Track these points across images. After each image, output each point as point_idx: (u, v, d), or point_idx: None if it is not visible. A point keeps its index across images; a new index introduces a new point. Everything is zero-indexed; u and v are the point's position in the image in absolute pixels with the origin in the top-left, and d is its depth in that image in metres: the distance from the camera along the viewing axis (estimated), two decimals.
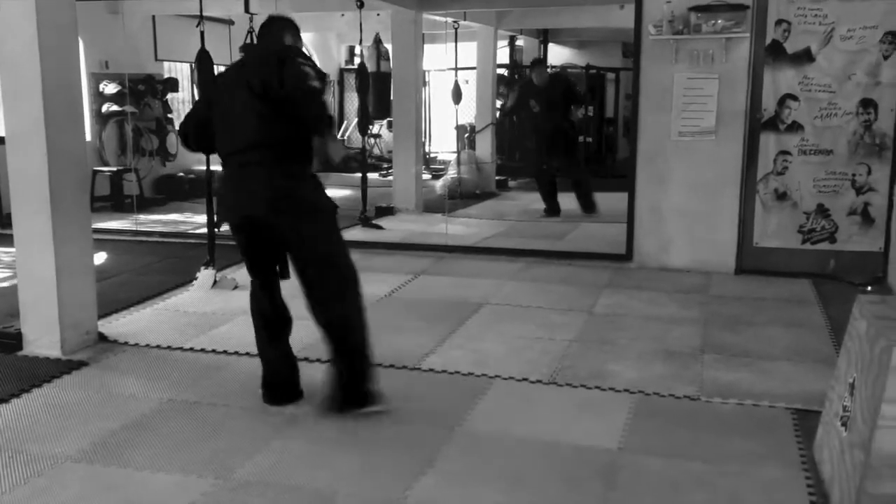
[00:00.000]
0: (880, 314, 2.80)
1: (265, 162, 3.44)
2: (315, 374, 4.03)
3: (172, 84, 9.90)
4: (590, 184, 9.21)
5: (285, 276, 3.66)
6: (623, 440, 3.32)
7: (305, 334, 4.60)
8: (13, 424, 3.48)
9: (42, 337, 4.29)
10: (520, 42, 13.19)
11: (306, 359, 4.25)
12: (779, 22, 5.81)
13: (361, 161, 8.91)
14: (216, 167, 4.63)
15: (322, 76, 3.40)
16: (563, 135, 9.03)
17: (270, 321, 3.69)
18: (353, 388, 3.55)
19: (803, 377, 4.01)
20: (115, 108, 9.25)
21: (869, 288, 5.62)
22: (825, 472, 2.95)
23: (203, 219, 6.32)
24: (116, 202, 9.01)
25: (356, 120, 10.08)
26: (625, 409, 3.63)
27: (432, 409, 3.64)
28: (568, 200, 9.82)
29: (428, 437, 3.35)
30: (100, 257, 6.35)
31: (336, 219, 3.61)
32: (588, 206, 9.07)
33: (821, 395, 3.41)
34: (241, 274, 5.45)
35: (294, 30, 3.66)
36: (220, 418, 3.52)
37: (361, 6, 7.69)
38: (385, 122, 11.71)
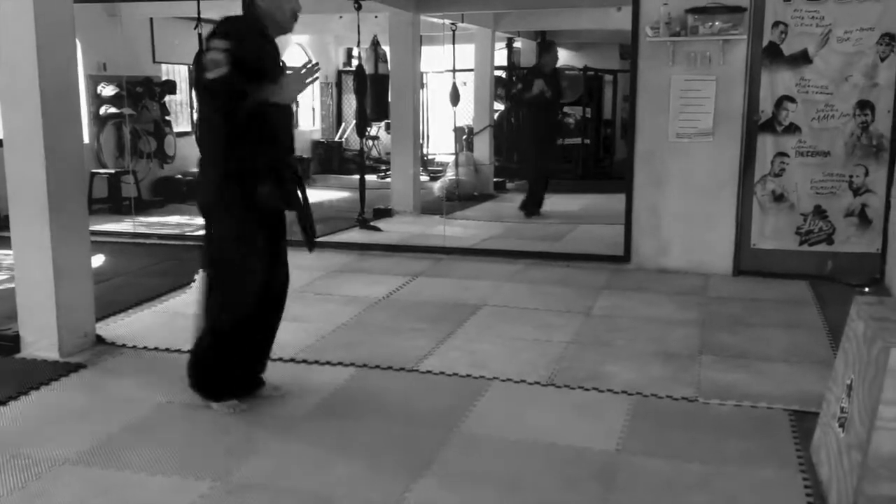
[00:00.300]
0: (877, 315, 2.81)
1: (204, 155, 3.51)
2: (314, 376, 4.04)
3: (170, 86, 9.90)
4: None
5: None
6: (621, 441, 3.32)
7: (304, 336, 4.62)
8: (11, 427, 3.47)
9: (40, 339, 4.28)
10: (517, 44, 13.20)
11: (304, 361, 4.26)
12: (776, 24, 5.82)
13: (360, 163, 8.91)
14: None
15: (226, 54, 3.15)
16: (558, 129, 9.05)
17: None
18: (192, 370, 3.63)
19: (801, 378, 4.02)
20: (112, 110, 9.25)
21: (866, 289, 5.63)
22: (823, 473, 2.96)
23: (201, 221, 6.31)
24: (114, 204, 9.00)
25: (354, 122, 10.08)
26: (623, 410, 3.63)
27: (430, 411, 3.64)
28: (568, 201, 9.86)
29: (426, 438, 3.35)
30: (97, 259, 6.35)
31: (253, 219, 3.42)
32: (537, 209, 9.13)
33: (818, 396, 3.42)
34: None
35: None
36: (217, 420, 3.52)
37: (359, 8, 7.70)
38: (383, 123, 11.72)
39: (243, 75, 3.17)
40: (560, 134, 9.07)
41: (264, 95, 3.23)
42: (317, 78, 3.60)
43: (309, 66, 3.33)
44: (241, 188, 3.36)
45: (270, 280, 3.60)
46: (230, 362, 3.60)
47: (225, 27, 3.31)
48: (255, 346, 3.69)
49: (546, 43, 9.67)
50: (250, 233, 3.45)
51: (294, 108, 3.66)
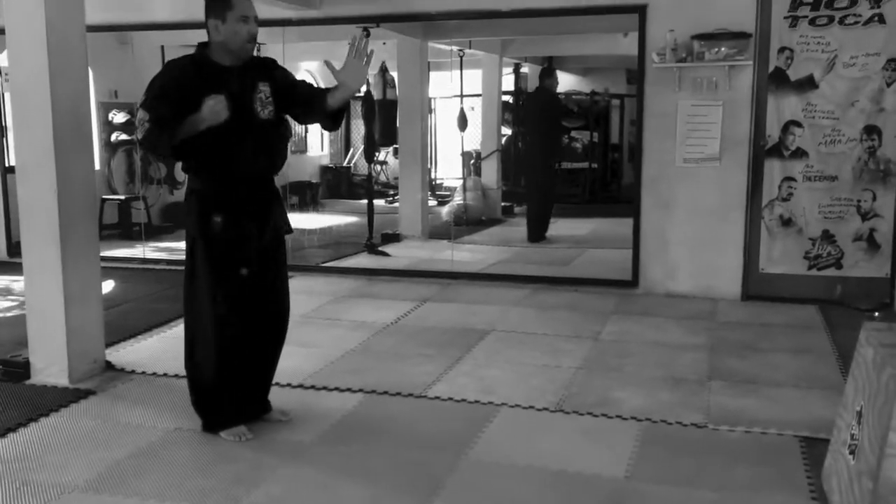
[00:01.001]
0: (886, 342, 2.80)
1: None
2: (322, 402, 4.04)
3: None
4: None
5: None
6: (630, 468, 3.31)
7: (312, 362, 4.63)
8: (21, 454, 3.48)
9: (50, 366, 4.30)
10: (525, 69, 13.28)
11: (313, 387, 4.26)
12: (781, 49, 5.85)
13: (368, 188, 8.96)
14: None
15: (143, 109, 3.31)
16: (561, 154, 9.12)
17: None
18: (194, 400, 3.68)
19: (811, 404, 4.00)
20: (123, 136, 9.32)
21: (876, 314, 5.61)
22: (833, 500, 2.93)
23: None
24: (124, 230, 9.06)
25: (362, 147, 10.14)
26: (631, 436, 3.62)
27: (439, 437, 3.64)
28: (575, 226, 9.86)
29: (434, 464, 3.34)
30: (107, 285, 6.38)
31: (211, 248, 3.44)
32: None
33: (828, 422, 3.40)
34: None
35: (212, 8, 3.41)
36: (226, 447, 3.52)
37: (368, 35, 7.75)
38: (391, 148, 11.77)
39: (170, 120, 3.29)
40: (565, 158, 9.10)
41: (191, 128, 3.30)
42: (369, 49, 3.61)
43: (358, 37, 3.48)
44: (199, 216, 3.45)
45: (260, 307, 3.59)
46: (226, 392, 3.59)
47: (155, 81, 3.42)
48: (253, 374, 3.68)
49: (547, 68, 9.74)
50: (214, 260, 3.46)
51: (282, 130, 3.63)
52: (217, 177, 3.47)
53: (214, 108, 3.26)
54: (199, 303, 3.53)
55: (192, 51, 3.54)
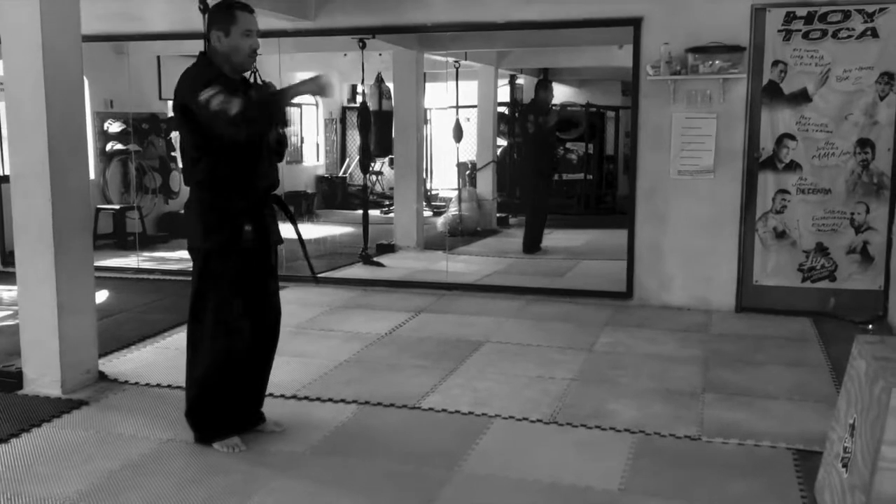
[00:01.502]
0: (879, 355, 2.81)
1: (191, 196, 3.57)
2: (316, 413, 4.04)
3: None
4: None
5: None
6: (623, 481, 3.30)
7: (306, 373, 4.62)
8: (12, 465, 3.47)
9: (43, 376, 4.29)
10: (520, 81, 13.32)
11: (306, 398, 4.25)
12: (775, 63, 5.88)
13: (363, 198, 8.97)
14: None
15: (224, 94, 3.26)
16: (556, 165, 9.15)
17: None
18: (187, 412, 3.64)
19: (804, 417, 4.01)
20: (119, 146, 9.33)
21: (869, 326, 5.63)
22: None
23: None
24: (119, 240, 9.05)
25: (358, 157, 10.15)
26: (625, 449, 3.62)
27: (432, 449, 3.63)
28: (570, 237, 9.88)
29: (428, 477, 3.34)
30: (101, 295, 6.36)
31: (222, 261, 3.45)
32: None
33: (822, 435, 3.41)
34: None
35: (216, 20, 3.42)
36: (219, 459, 3.51)
37: (364, 47, 7.79)
38: (386, 159, 11.79)
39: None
40: (559, 170, 9.12)
41: (277, 105, 3.39)
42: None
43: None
44: (223, 229, 3.42)
45: (259, 319, 3.60)
46: (221, 404, 3.59)
47: (197, 80, 3.33)
48: (247, 385, 3.68)
49: (543, 81, 9.77)
50: (231, 275, 3.47)
51: (282, 142, 3.66)
52: (238, 190, 3.44)
53: (329, 81, 3.33)
54: (210, 314, 3.49)
55: (189, 61, 3.54)
